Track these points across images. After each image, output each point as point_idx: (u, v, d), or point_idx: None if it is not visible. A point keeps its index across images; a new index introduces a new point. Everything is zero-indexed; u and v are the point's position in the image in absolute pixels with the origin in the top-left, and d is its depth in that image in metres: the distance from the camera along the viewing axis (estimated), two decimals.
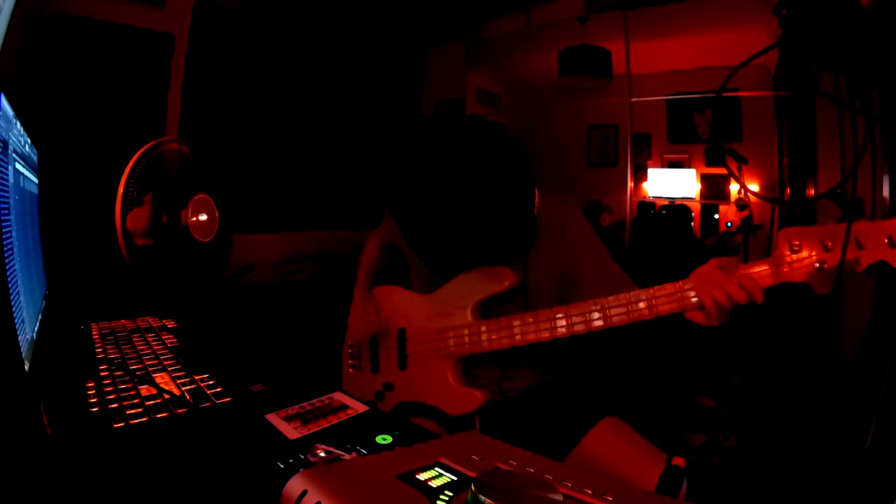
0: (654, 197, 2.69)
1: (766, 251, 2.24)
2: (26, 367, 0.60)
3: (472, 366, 1.00)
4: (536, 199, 0.92)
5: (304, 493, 0.40)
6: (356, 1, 2.63)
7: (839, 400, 1.51)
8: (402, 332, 1.03)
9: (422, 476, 0.43)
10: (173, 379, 0.75)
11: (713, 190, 2.57)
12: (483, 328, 0.93)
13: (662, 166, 2.69)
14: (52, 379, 0.74)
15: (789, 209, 2.20)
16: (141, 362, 0.82)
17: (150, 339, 0.96)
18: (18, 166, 0.77)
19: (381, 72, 2.91)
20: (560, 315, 0.87)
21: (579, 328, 0.85)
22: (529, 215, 0.91)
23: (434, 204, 0.84)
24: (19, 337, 0.58)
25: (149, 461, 0.53)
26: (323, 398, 0.70)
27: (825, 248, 0.73)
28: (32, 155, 0.95)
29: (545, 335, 0.87)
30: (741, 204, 2.42)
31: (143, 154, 1.20)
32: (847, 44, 0.82)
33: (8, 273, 0.57)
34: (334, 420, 0.63)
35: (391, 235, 1.16)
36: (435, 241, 0.88)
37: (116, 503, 0.48)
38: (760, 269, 0.76)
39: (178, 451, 0.55)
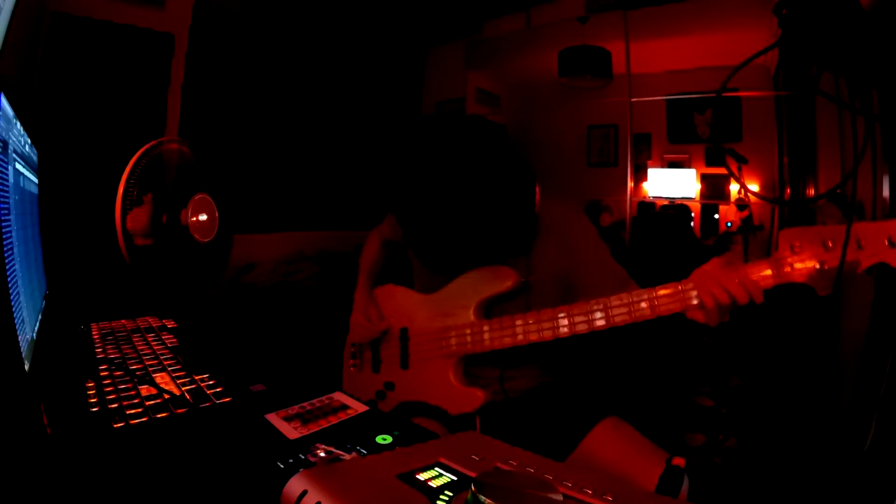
0: (654, 197, 2.69)
1: (767, 251, 2.24)
2: (26, 367, 0.60)
3: (473, 365, 1.00)
4: (537, 197, 0.92)
5: (304, 493, 0.40)
6: (356, 1, 2.63)
7: (839, 400, 1.51)
8: (404, 331, 1.03)
9: (422, 476, 0.43)
10: (173, 379, 0.75)
11: (713, 190, 2.57)
12: (485, 327, 0.93)
13: (662, 166, 2.69)
14: (52, 379, 0.74)
15: (789, 209, 2.20)
16: (141, 362, 0.82)
17: (150, 339, 0.96)
18: (18, 166, 0.77)
19: (381, 72, 2.91)
20: (562, 314, 0.87)
21: (581, 328, 0.85)
22: (530, 213, 0.91)
23: (434, 203, 0.85)
24: (19, 337, 0.58)
25: (149, 461, 0.53)
26: (323, 398, 0.70)
27: (826, 249, 0.73)
28: (32, 155, 0.95)
29: (547, 334, 0.87)
30: (741, 204, 2.42)
31: (143, 154, 1.20)
32: (847, 44, 0.82)
33: (8, 273, 0.57)
34: (334, 420, 0.63)
35: (395, 234, 1.16)
36: (435, 240, 0.88)
37: (116, 503, 0.48)
38: (761, 269, 0.76)
39: (178, 452, 0.55)
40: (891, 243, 0.70)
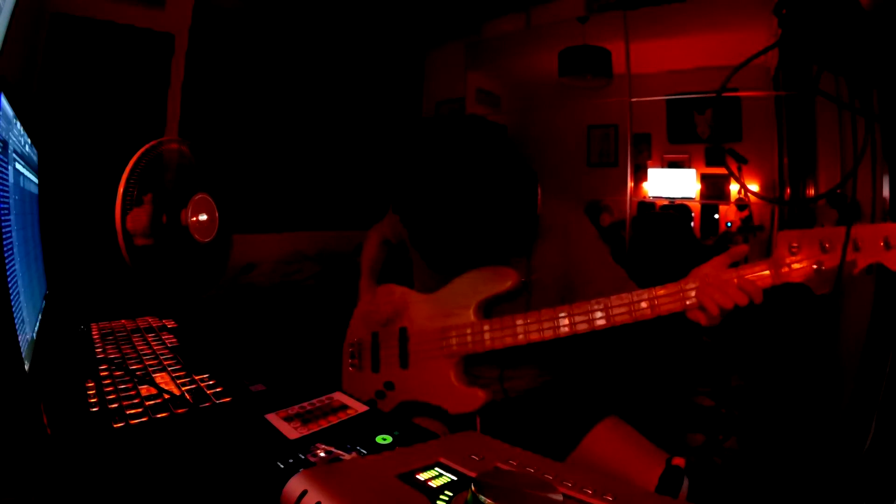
0: (654, 197, 2.69)
1: (766, 251, 2.23)
2: (26, 367, 0.60)
3: (472, 365, 1.00)
4: (539, 198, 0.92)
5: (304, 493, 0.40)
6: (356, 1, 2.63)
7: (839, 400, 1.51)
8: (403, 331, 1.03)
9: (422, 476, 0.43)
10: (173, 379, 0.75)
11: (713, 190, 2.57)
12: (486, 327, 0.93)
13: (662, 166, 2.69)
14: (52, 379, 0.74)
15: (789, 209, 2.20)
16: (141, 362, 0.82)
17: (150, 339, 0.96)
18: (18, 166, 0.77)
19: (381, 72, 2.91)
20: (563, 314, 0.87)
21: (582, 327, 0.85)
22: (532, 213, 0.91)
23: (438, 204, 0.85)
24: (19, 337, 0.58)
25: (149, 461, 0.53)
26: (323, 398, 0.70)
27: (823, 250, 0.74)
28: (32, 155, 0.95)
29: (548, 334, 0.87)
30: (741, 204, 2.42)
31: (143, 154, 1.20)
32: (847, 44, 0.82)
33: (8, 273, 0.57)
34: (334, 420, 0.63)
35: (395, 232, 1.17)
36: (441, 240, 0.88)
37: (116, 503, 0.48)
38: (760, 270, 0.77)
39: (178, 451, 0.55)
40: (886, 245, 0.70)
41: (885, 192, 1.36)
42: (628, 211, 2.68)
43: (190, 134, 2.02)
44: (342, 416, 0.64)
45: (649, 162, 2.71)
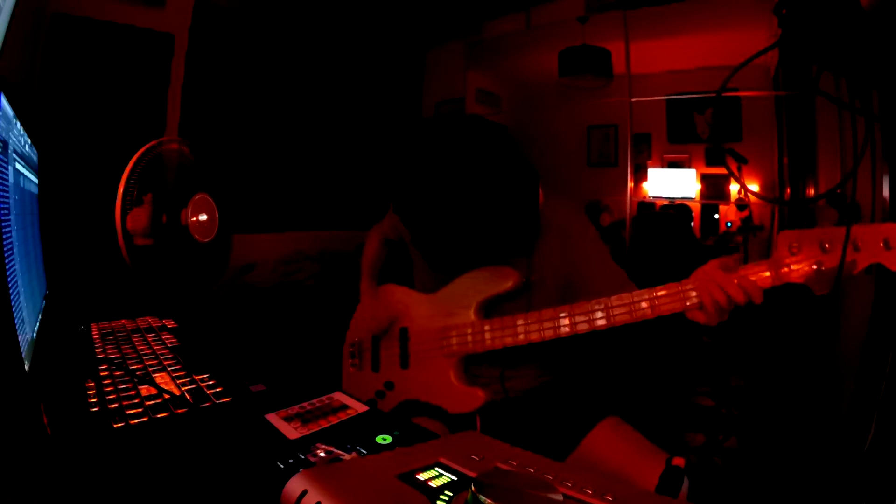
0: (654, 197, 2.69)
1: (766, 251, 2.24)
2: (26, 367, 0.60)
3: (473, 364, 1.00)
4: (541, 197, 0.92)
5: (304, 493, 0.40)
6: (356, 1, 2.63)
7: (839, 400, 1.51)
8: (404, 331, 1.03)
9: (422, 476, 0.43)
10: (173, 379, 0.75)
11: (713, 190, 2.58)
12: (486, 327, 0.93)
13: (662, 166, 2.69)
14: (52, 379, 0.74)
15: (789, 209, 2.20)
16: (141, 362, 0.82)
17: (150, 339, 0.96)
18: (18, 166, 0.77)
19: (381, 72, 2.91)
20: (563, 314, 0.87)
21: (582, 327, 0.85)
22: (534, 213, 0.91)
23: (437, 203, 0.85)
24: (19, 337, 0.58)
25: (149, 461, 0.53)
26: (323, 398, 0.70)
27: (823, 250, 0.74)
28: (32, 155, 0.95)
29: (548, 334, 0.87)
30: (741, 204, 2.42)
31: (143, 154, 1.20)
32: (847, 44, 0.82)
33: (8, 273, 0.57)
34: (334, 420, 0.63)
35: (396, 231, 1.17)
36: (439, 239, 0.88)
37: (116, 503, 0.48)
38: (760, 270, 0.77)
39: (178, 451, 0.55)
40: (886, 245, 0.70)
41: (885, 192, 1.36)
42: (628, 211, 2.68)
43: (190, 134, 2.02)
44: (342, 416, 0.64)
45: (649, 162, 2.71)
